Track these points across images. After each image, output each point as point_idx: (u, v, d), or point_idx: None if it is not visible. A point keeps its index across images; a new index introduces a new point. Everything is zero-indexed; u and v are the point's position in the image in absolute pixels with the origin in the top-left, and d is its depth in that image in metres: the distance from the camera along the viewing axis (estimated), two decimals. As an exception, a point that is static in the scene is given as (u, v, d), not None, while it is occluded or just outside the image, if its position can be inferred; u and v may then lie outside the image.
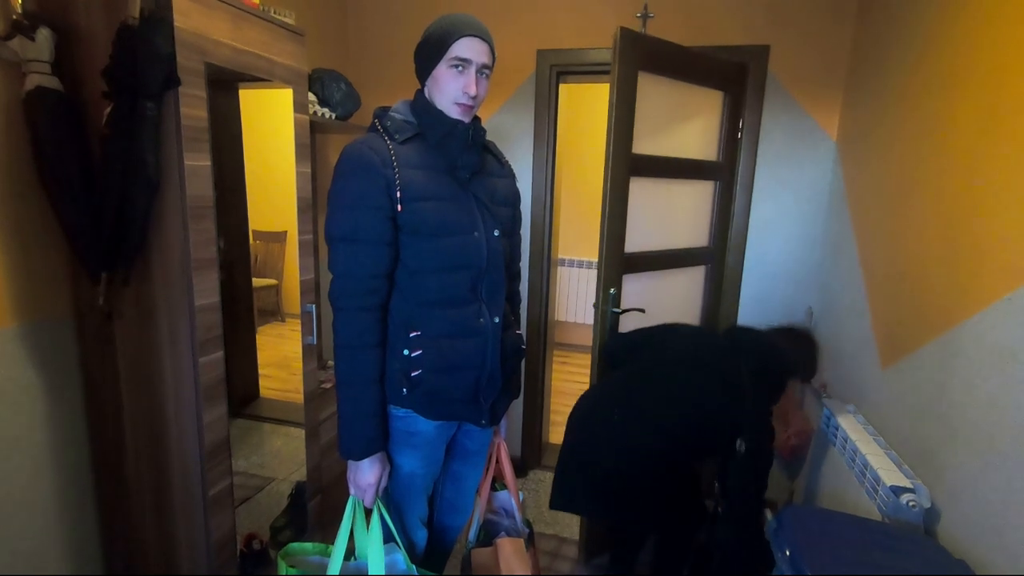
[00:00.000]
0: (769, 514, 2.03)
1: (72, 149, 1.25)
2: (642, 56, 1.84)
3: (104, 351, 1.41)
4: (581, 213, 4.10)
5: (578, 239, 4.20)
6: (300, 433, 1.81)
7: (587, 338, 3.13)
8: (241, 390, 1.95)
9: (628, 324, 2.01)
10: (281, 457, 1.98)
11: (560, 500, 1.61)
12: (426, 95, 1.21)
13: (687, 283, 2.30)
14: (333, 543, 1.25)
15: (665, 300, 2.18)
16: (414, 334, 1.17)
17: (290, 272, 1.82)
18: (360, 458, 1.16)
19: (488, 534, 1.57)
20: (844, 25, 2.10)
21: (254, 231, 1.94)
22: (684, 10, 2.22)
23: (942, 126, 1.45)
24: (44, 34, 1.20)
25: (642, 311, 2.02)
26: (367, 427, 1.16)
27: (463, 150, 1.19)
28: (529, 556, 1.49)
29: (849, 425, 1.66)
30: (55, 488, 1.43)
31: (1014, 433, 1.08)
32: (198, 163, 1.30)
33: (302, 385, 1.77)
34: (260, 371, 2.05)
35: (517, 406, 2.67)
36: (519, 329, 1.41)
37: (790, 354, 1.64)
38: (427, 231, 1.15)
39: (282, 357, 2.04)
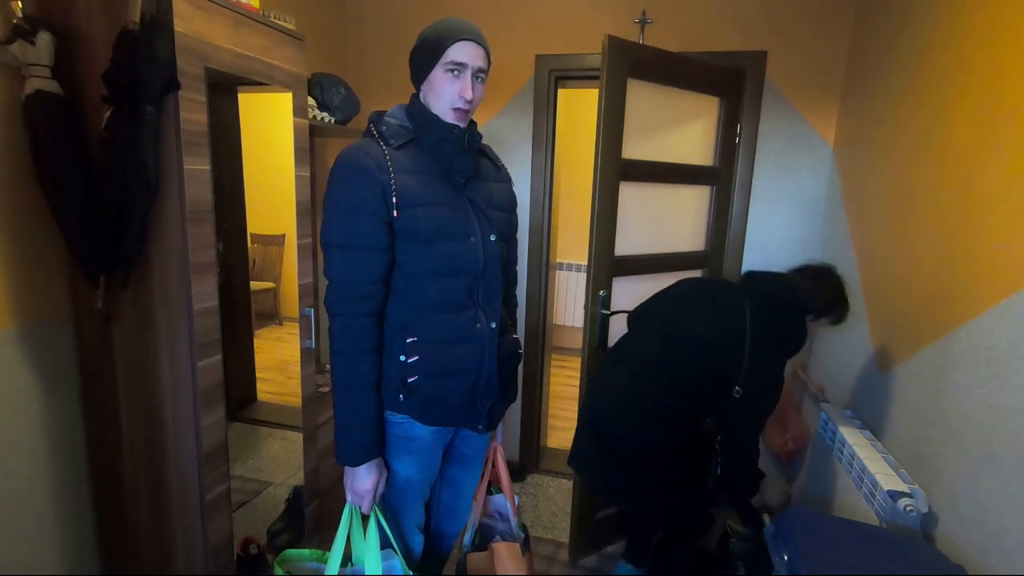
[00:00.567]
0: (767, 518, 2.02)
1: (71, 153, 1.26)
2: (631, 63, 1.86)
3: (102, 354, 1.41)
4: (579, 217, 4.08)
5: (576, 243, 4.20)
6: (297, 437, 1.80)
7: (585, 342, 3.12)
8: (239, 394, 1.94)
9: (618, 325, 2.03)
10: (278, 461, 1.98)
11: (573, 460, 1.70)
12: (421, 99, 1.21)
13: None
14: (330, 549, 1.25)
15: (663, 304, 2.19)
16: (411, 340, 1.17)
17: (288, 276, 1.82)
18: (357, 464, 1.16)
19: (483, 538, 1.57)
20: (841, 32, 2.12)
21: (252, 234, 1.94)
22: (682, 16, 2.24)
23: (938, 132, 1.46)
24: (44, 38, 1.21)
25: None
26: (364, 433, 1.16)
27: (459, 154, 1.18)
28: (524, 560, 1.49)
29: (847, 429, 1.66)
30: (52, 491, 1.43)
31: (1010, 438, 1.08)
32: (197, 167, 1.30)
33: (300, 389, 1.77)
34: (258, 375, 2.05)
35: (515, 410, 2.67)
36: (516, 333, 1.41)
37: (806, 291, 1.52)
38: (423, 236, 1.14)
39: (280, 361, 2.03)
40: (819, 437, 1.88)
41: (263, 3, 1.54)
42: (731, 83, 2.18)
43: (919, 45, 1.61)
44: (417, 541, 1.37)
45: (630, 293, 2.07)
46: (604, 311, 1.97)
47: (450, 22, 1.16)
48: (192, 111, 1.28)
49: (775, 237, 2.30)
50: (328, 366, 1.19)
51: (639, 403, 1.52)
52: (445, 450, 1.35)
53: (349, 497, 1.20)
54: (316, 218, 1.84)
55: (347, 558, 1.28)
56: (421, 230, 1.14)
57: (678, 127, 2.12)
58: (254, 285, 2.01)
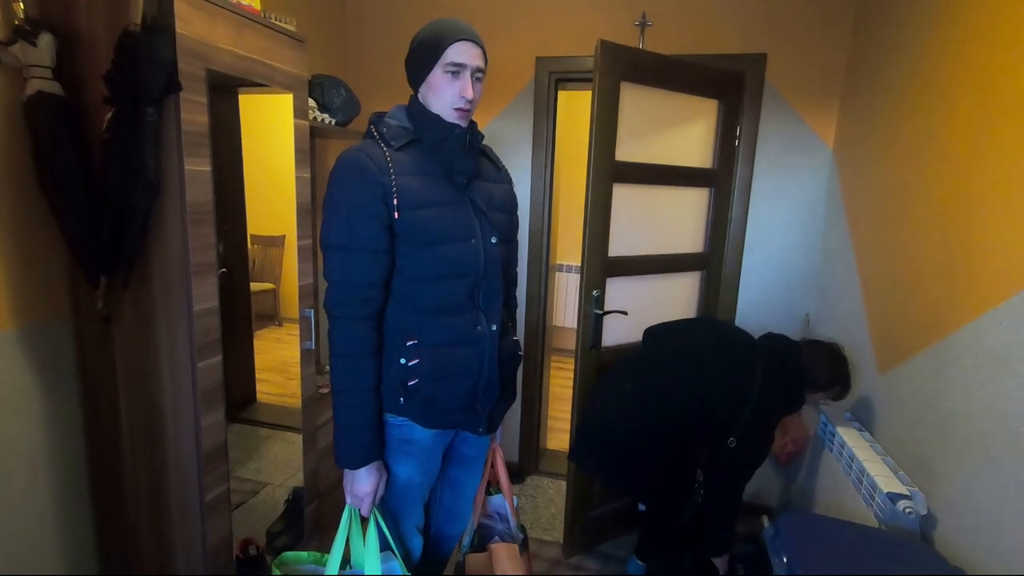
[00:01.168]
0: (766, 520, 2.02)
1: (72, 153, 1.26)
2: (625, 68, 1.87)
3: (102, 355, 1.41)
4: (579, 219, 4.08)
5: (576, 245, 4.15)
6: (297, 438, 1.80)
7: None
8: (238, 394, 1.94)
9: (613, 326, 2.05)
10: (278, 462, 1.98)
11: (573, 454, 1.83)
12: (421, 101, 1.21)
13: (683, 288, 2.31)
14: (329, 550, 1.25)
15: (660, 304, 2.19)
16: (411, 343, 1.17)
17: (288, 277, 1.82)
18: (356, 467, 1.16)
19: (482, 539, 1.57)
20: (841, 34, 2.12)
21: (252, 235, 1.94)
22: (682, 19, 2.24)
23: (937, 134, 1.46)
24: (46, 39, 1.21)
25: (624, 313, 2.05)
26: (363, 436, 1.16)
27: (460, 154, 1.18)
28: (523, 561, 1.49)
29: (846, 431, 1.67)
30: (52, 491, 1.43)
31: (1009, 440, 1.08)
32: (198, 168, 1.30)
33: (299, 390, 1.77)
34: (257, 375, 2.04)
35: (515, 412, 2.67)
36: (516, 335, 1.41)
37: (812, 367, 1.61)
38: (424, 239, 1.14)
39: (280, 361, 2.03)
40: (818, 439, 1.88)
41: (264, 4, 1.54)
42: (729, 86, 2.18)
43: (918, 47, 1.61)
44: (416, 543, 1.37)
45: (626, 293, 2.08)
46: (598, 311, 1.98)
47: (445, 23, 1.16)
48: (193, 112, 1.28)
49: (775, 239, 2.31)
50: (328, 367, 1.19)
51: (638, 421, 1.66)
52: (445, 452, 1.35)
53: (349, 500, 1.20)
54: (316, 219, 1.84)
55: (346, 561, 1.28)
56: (422, 232, 1.14)
57: (675, 129, 2.12)
58: (254, 286, 2.01)
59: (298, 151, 1.68)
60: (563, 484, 2.65)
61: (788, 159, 2.25)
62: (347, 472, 1.17)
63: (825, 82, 2.17)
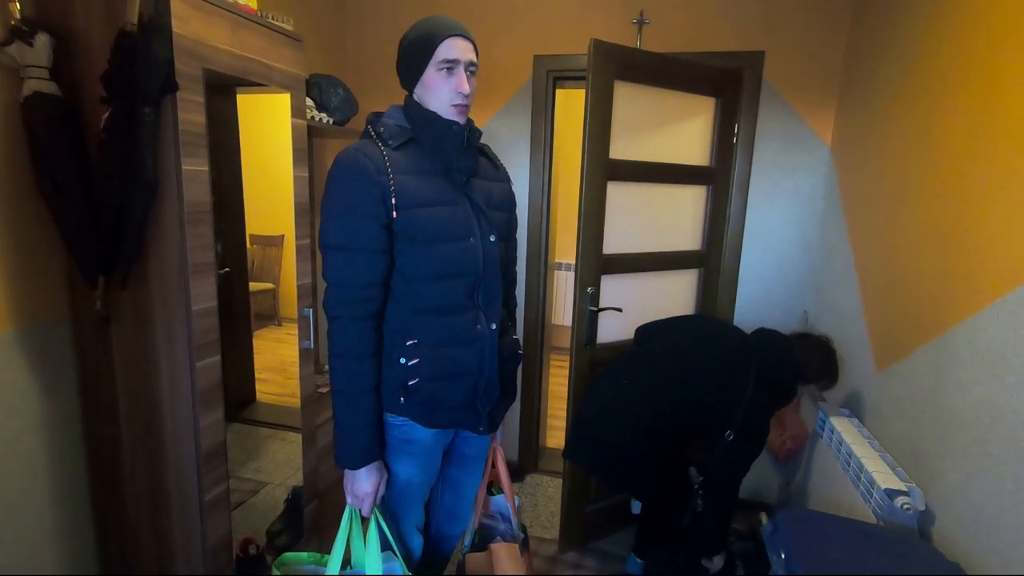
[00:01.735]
0: (765, 517, 2.03)
1: (70, 154, 1.25)
2: (619, 66, 1.88)
3: (101, 355, 1.41)
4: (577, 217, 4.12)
5: (575, 243, 4.20)
6: (296, 437, 1.81)
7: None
8: (237, 394, 1.94)
9: (609, 323, 2.05)
10: (277, 462, 1.98)
11: (568, 450, 1.84)
12: (416, 100, 1.20)
13: (681, 285, 2.32)
14: (329, 550, 1.25)
15: (658, 301, 2.20)
16: (411, 342, 1.17)
17: (287, 276, 1.82)
18: (357, 467, 1.16)
19: (483, 538, 1.57)
20: (838, 32, 2.12)
21: (251, 235, 1.94)
22: (680, 16, 2.24)
23: (935, 132, 1.46)
24: (43, 40, 1.21)
25: (619, 310, 2.05)
26: (364, 437, 1.16)
27: (459, 152, 1.18)
28: (524, 561, 1.49)
29: (844, 428, 1.67)
30: (51, 492, 1.43)
31: (1005, 436, 1.08)
32: (196, 168, 1.30)
33: (299, 390, 1.77)
34: (256, 375, 2.04)
35: (514, 410, 2.67)
36: (515, 334, 1.41)
37: (804, 361, 1.66)
38: (423, 238, 1.14)
39: (279, 361, 2.03)
40: (817, 435, 1.89)
41: (261, 4, 1.54)
42: (727, 84, 2.18)
43: (915, 45, 1.61)
44: (416, 543, 1.37)
45: (622, 290, 2.09)
46: (592, 307, 1.99)
47: (432, 21, 1.16)
48: (190, 112, 1.28)
49: (773, 236, 2.31)
50: (327, 367, 1.19)
51: (632, 418, 1.67)
52: (446, 451, 1.35)
53: (349, 500, 1.20)
54: (315, 219, 1.84)
55: (346, 561, 1.28)
56: (421, 231, 1.13)
57: (673, 127, 2.12)
58: (253, 286, 2.01)
59: (296, 151, 1.68)
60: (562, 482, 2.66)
61: (786, 157, 2.25)
62: (347, 472, 1.17)
63: (823, 80, 2.17)
